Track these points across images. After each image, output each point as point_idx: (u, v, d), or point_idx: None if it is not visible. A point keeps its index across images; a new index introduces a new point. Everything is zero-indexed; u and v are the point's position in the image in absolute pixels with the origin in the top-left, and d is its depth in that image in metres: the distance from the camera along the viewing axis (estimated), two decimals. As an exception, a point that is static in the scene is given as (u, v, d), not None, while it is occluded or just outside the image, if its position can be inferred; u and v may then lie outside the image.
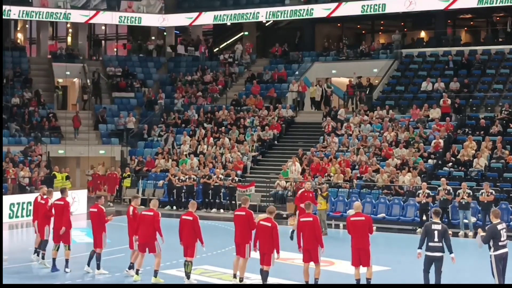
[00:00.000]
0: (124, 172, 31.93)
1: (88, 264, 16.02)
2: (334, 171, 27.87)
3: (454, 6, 33.34)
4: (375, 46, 38.08)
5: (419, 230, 21.89)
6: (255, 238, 14.35)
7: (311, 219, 14.26)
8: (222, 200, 29.09)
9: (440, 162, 27.45)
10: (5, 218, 24.32)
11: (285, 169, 28.96)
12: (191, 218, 14.80)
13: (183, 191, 29.15)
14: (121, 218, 17.99)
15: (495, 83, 32.30)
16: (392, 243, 22.05)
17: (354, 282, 14.20)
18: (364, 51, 37.46)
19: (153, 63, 42.47)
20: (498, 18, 37.83)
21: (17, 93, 36.90)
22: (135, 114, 37.32)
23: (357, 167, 28.20)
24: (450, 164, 26.87)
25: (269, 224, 14.09)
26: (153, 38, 44.50)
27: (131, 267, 15.73)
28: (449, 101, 30.49)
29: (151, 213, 15.18)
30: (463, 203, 23.02)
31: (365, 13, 35.14)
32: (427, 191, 23.78)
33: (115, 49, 47.86)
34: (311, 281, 14.28)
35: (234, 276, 14.82)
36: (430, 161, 27.55)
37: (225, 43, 46.99)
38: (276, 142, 33.00)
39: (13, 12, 37.54)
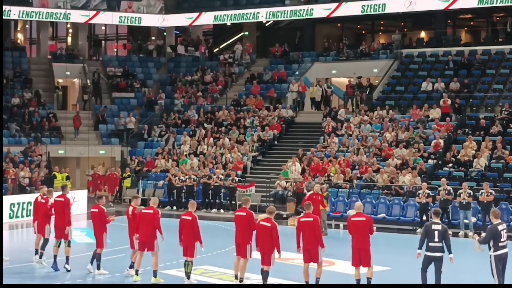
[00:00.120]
0: (124, 172, 31.95)
1: (91, 263, 16.05)
2: (334, 171, 27.87)
3: (454, 6, 33.35)
4: (375, 46, 38.08)
5: (419, 230, 21.89)
6: (255, 238, 14.36)
7: (311, 219, 14.26)
8: (222, 200, 29.10)
9: (440, 162, 27.45)
10: (5, 218, 24.32)
11: (285, 169, 28.96)
12: (190, 218, 14.82)
13: (183, 191, 29.15)
14: (121, 218, 17.99)
15: (495, 83, 32.31)
16: (392, 243, 22.05)
17: (354, 282, 14.20)
18: (364, 51, 37.47)
19: (153, 63, 42.48)
20: (498, 18, 37.83)
21: (17, 93, 36.92)
22: (135, 114, 37.33)
23: (357, 167, 28.20)
24: (450, 164, 26.87)
25: (269, 225, 14.10)
26: (153, 38, 44.51)
27: (131, 266, 15.74)
28: (449, 101, 30.49)
29: (151, 211, 15.20)
30: (464, 203, 23.01)
31: (365, 13, 35.15)
32: (427, 191, 23.79)
33: (115, 49, 47.87)
34: (311, 281, 14.29)
35: (236, 277, 14.80)
36: (430, 161, 27.55)
37: (225, 43, 46.99)
38: (276, 142, 33.01)
39: (13, 12, 37.56)
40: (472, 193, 23.23)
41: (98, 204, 16.21)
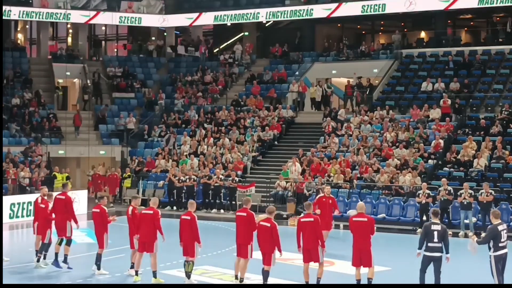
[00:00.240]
0: (125, 173, 31.96)
1: (96, 264, 16.08)
2: (334, 171, 27.87)
3: (454, 7, 33.38)
4: (375, 46, 38.09)
5: (419, 230, 21.85)
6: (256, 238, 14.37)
7: (311, 219, 14.27)
8: (222, 200, 29.11)
9: (440, 162, 27.46)
10: (6, 219, 24.34)
11: (285, 169, 28.97)
12: (189, 218, 14.85)
13: (183, 191, 29.16)
14: (122, 218, 18.00)
15: (495, 83, 32.31)
16: (392, 244, 22.05)
17: (355, 282, 14.21)
18: (364, 52, 37.47)
19: (153, 64, 42.49)
20: (498, 19, 37.81)
21: (17, 93, 36.91)
22: (135, 115, 37.33)
23: (357, 167, 28.20)
24: (450, 164, 26.87)
25: (269, 225, 14.11)
26: (153, 38, 44.51)
27: (132, 266, 15.75)
28: (449, 102, 30.49)
29: (151, 212, 15.21)
30: (465, 203, 22.99)
31: (365, 13, 35.17)
32: (427, 191, 23.79)
33: (115, 50, 47.84)
34: (312, 281, 14.29)
35: (236, 277, 14.81)
36: (430, 161, 27.55)
37: (225, 44, 46.97)
38: (276, 142, 33.01)
39: (13, 12, 37.60)
40: (473, 193, 23.22)
41: (100, 204, 16.22)
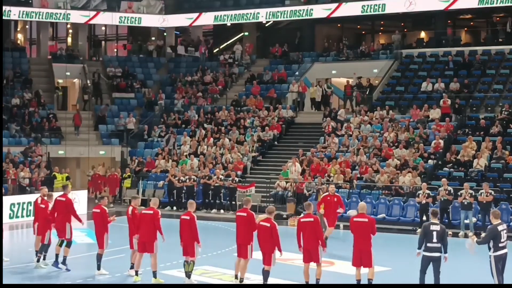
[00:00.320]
0: (124, 173, 31.95)
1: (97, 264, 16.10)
2: (334, 171, 27.87)
3: (454, 7, 33.37)
4: (375, 46, 38.09)
5: (419, 230, 21.75)
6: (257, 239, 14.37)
7: (311, 219, 14.26)
8: (222, 200, 29.11)
9: (440, 162, 27.46)
10: (5, 219, 24.31)
11: (285, 169, 28.96)
12: (188, 217, 14.86)
13: (183, 191, 29.15)
14: (121, 218, 18.00)
15: (495, 83, 32.31)
16: (392, 244, 22.04)
17: (355, 283, 14.21)
18: (364, 52, 37.48)
19: (153, 64, 42.49)
20: (498, 19, 37.81)
21: (17, 93, 36.91)
22: (135, 115, 37.32)
23: (357, 167, 28.20)
24: (450, 164, 26.86)
25: (268, 224, 14.11)
26: (153, 38, 44.50)
27: (132, 267, 15.75)
28: (449, 102, 30.49)
29: (151, 212, 15.21)
30: (465, 203, 22.98)
31: (365, 13, 35.16)
32: (427, 191, 23.78)
33: (115, 50, 47.84)
34: (312, 281, 14.29)
35: (236, 277, 14.81)
36: (430, 161, 27.55)
37: (225, 44, 46.98)
38: (276, 142, 33.01)
39: (13, 12, 37.61)
40: (473, 193, 23.21)
41: (100, 204, 16.23)
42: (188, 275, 14.91)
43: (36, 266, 16.80)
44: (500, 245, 13.10)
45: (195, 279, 15.21)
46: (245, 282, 14.78)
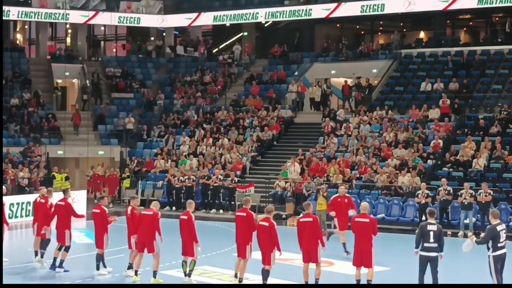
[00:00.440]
0: (124, 173, 31.94)
1: (104, 266, 16.09)
2: (333, 171, 27.86)
3: (453, 7, 33.34)
4: (374, 46, 38.10)
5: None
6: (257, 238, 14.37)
7: (311, 219, 14.26)
8: (221, 200, 29.10)
9: (439, 162, 27.46)
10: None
11: (284, 169, 28.96)
12: (186, 217, 14.87)
13: (183, 191, 29.13)
14: (121, 218, 17.99)
15: (494, 83, 32.31)
16: (392, 244, 22.04)
17: (354, 283, 14.21)
18: (363, 52, 37.50)
19: (152, 64, 42.47)
20: (497, 19, 37.83)
21: (16, 94, 36.89)
22: (134, 115, 37.29)
23: (356, 167, 28.19)
24: (449, 164, 26.86)
25: (267, 224, 14.11)
26: (152, 38, 44.50)
27: (130, 267, 15.74)
28: (448, 102, 30.49)
29: (151, 213, 15.19)
30: (466, 203, 22.96)
31: (364, 13, 35.14)
32: (427, 191, 23.79)
33: (114, 50, 47.86)
34: (311, 281, 14.29)
35: (236, 276, 14.81)
36: (429, 161, 27.55)
37: (224, 44, 47.00)
38: (275, 142, 33.01)
39: (12, 12, 37.60)
40: (473, 193, 23.20)
41: (100, 204, 16.22)
42: (189, 274, 14.93)
43: (39, 261, 16.78)
44: (499, 245, 13.11)
45: (194, 279, 15.21)
46: (245, 282, 14.79)
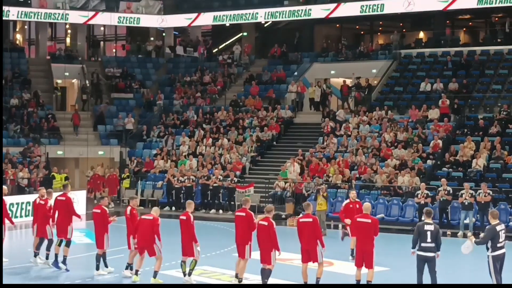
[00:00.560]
0: (123, 173, 31.94)
1: (106, 266, 16.09)
2: (333, 171, 27.87)
3: (453, 7, 33.35)
4: (373, 46, 38.12)
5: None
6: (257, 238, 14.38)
7: (310, 219, 14.27)
8: (221, 201, 29.11)
9: (439, 162, 27.47)
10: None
11: (284, 169, 28.97)
12: (185, 217, 14.90)
13: (182, 192, 29.13)
14: (120, 219, 18.01)
15: (493, 83, 32.33)
16: (391, 244, 22.03)
17: (354, 283, 14.21)
18: (362, 52, 37.51)
19: (152, 64, 42.48)
20: (497, 19, 37.85)
21: (16, 94, 36.90)
22: (134, 115, 37.30)
23: (356, 167, 28.20)
24: (449, 164, 26.87)
25: (266, 223, 14.11)
26: (152, 39, 44.50)
27: (127, 267, 15.74)
28: (447, 102, 30.50)
29: (151, 218, 15.15)
30: (466, 203, 22.96)
31: (363, 13, 35.14)
32: (426, 191, 23.80)
33: (114, 50, 47.88)
34: (311, 281, 14.29)
35: (236, 276, 14.82)
36: (429, 161, 27.56)
37: (224, 44, 47.01)
38: (275, 142, 33.02)
39: (12, 13, 37.60)
40: (473, 194, 23.20)
41: (100, 204, 16.23)
42: (189, 273, 14.95)
43: (45, 262, 16.78)
44: (499, 245, 13.12)
45: (194, 279, 15.22)
46: (244, 282, 14.79)
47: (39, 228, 16.96)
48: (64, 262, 16.38)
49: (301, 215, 15.24)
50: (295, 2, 37.98)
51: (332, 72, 37.59)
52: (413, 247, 13.63)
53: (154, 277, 15.01)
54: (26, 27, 46.73)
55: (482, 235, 13.85)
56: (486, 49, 34.73)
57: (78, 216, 17.00)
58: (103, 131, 36.57)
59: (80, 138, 35.93)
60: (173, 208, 29.06)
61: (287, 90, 36.27)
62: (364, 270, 14.12)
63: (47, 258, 16.86)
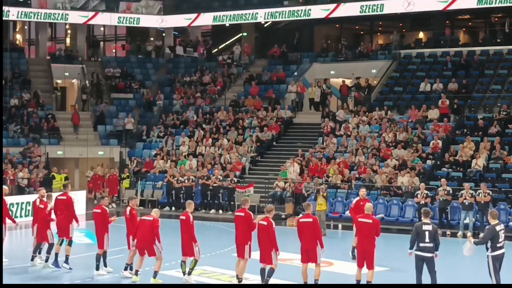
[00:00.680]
0: (123, 173, 31.96)
1: (105, 265, 16.11)
2: (333, 171, 27.88)
3: (452, 7, 33.36)
4: (373, 47, 38.14)
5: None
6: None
7: (310, 219, 14.28)
8: (221, 201, 29.13)
9: (438, 162, 27.49)
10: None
11: (283, 169, 28.99)
12: (184, 217, 14.92)
13: (182, 192, 29.14)
14: (120, 219, 18.02)
15: (493, 83, 32.35)
16: (391, 244, 22.05)
17: (354, 283, 14.22)
18: (362, 52, 37.54)
19: (152, 64, 42.49)
20: (496, 19, 37.88)
21: (16, 94, 36.90)
22: (134, 115, 37.31)
23: (355, 167, 28.22)
24: (449, 165, 26.88)
25: (266, 223, 14.13)
26: (151, 39, 44.51)
27: (126, 268, 15.75)
28: (447, 102, 30.52)
29: (151, 219, 15.15)
30: (467, 203, 22.97)
31: (363, 13, 35.14)
32: (426, 191, 23.80)
33: (114, 50, 47.88)
34: (310, 282, 14.31)
35: (237, 277, 14.83)
36: (428, 161, 27.57)
37: (223, 44, 47.02)
38: (274, 143, 33.03)
39: (12, 13, 37.57)
40: (473, 194, 23.21)
41: (101, 204, 16.24)
42: (188, 272, 14.96)
43: (46, 266, 16.77)
44: (498, 245, 13.14)
45: (194, 279, 15.24)
46: (244, 282, 14.81)
47: (39, 233, 16.89)
48: (66, 261, 16.39)
49: (301, 215, 15.25)
50: (295, 2, 38.00)
51: (332, 72, 37.61)
52: (411, 248, 13.62)
53: (154, 277, 15.03)
54: (26, 27, 46.75)
55: (481, 235, 13.87)
56: (486, 49, 34.75)
57: (77, 220, 16.91)
58: (103, 131, 36.59)
59: (80, 138, 35.93)
60: (173, 208, 29.08)
61: (287, 90, 36.29)
62: (364, 270, 14.14)
63: (46, 260, 16.85)
